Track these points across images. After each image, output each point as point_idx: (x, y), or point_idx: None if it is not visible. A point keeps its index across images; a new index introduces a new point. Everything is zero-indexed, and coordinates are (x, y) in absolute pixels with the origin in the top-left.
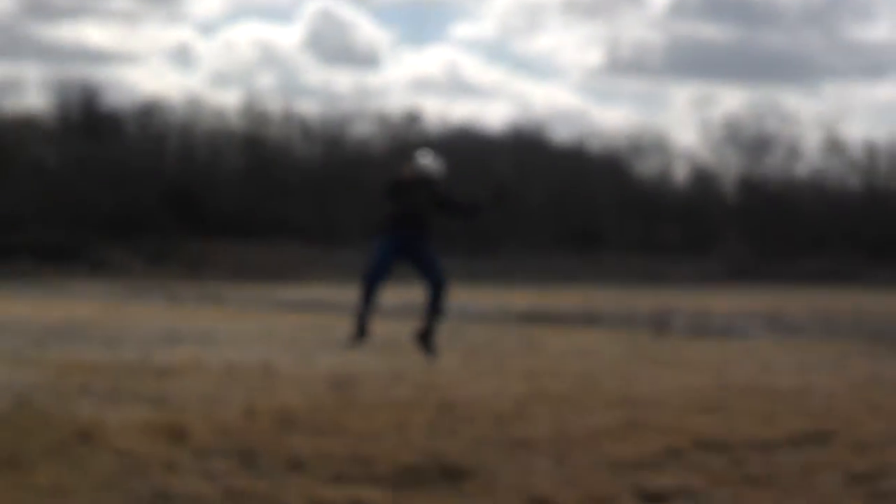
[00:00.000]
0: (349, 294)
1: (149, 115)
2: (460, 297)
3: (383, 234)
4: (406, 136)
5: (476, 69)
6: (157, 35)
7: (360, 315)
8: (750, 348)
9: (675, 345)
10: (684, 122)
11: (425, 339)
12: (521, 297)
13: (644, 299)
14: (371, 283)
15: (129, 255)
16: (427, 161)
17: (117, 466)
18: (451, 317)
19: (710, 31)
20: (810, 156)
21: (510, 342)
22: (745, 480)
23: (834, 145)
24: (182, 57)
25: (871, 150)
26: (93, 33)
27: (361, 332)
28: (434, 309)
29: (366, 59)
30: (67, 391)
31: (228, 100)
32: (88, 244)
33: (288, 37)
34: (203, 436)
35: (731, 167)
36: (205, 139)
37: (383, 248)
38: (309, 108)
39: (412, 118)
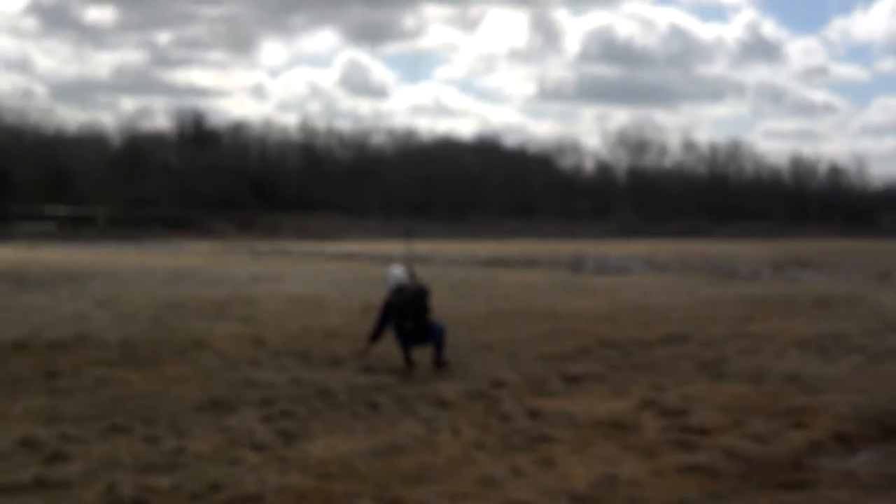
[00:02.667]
0: (373, 248)
1: (237, 131)
2: (444, 249)
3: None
4: (407, 144)
5: (453, 98)
6: (242, 77)
7: (406, 360)
8: (634, 280)
9: (585, 279)
10: (591, 132)
11: (440, 363)
12: (484, 249)
13: (565, 249)
14: (404, 344)
15: (225, 224)
16: (398, 273)
17: (219, 363)
18: (437, 263)
19: (606, 71)
20: (673, 153)
21: (477, 278)
22: (632, 367)
23: (689, 146)
24: (258, 92)
25: (714, 149)
26: (199, 76)
27: (409, 365)
28: (440, 352)
29: (379, 92)
30: (185, 314)
31: (290, 121)
32: (198, 217)
33: (328, 78)
34: (276, 342)
35: (622, 161)
36: (275, 147)
37: (398, 327)
38: (343, 125)
39: (410, 132)
